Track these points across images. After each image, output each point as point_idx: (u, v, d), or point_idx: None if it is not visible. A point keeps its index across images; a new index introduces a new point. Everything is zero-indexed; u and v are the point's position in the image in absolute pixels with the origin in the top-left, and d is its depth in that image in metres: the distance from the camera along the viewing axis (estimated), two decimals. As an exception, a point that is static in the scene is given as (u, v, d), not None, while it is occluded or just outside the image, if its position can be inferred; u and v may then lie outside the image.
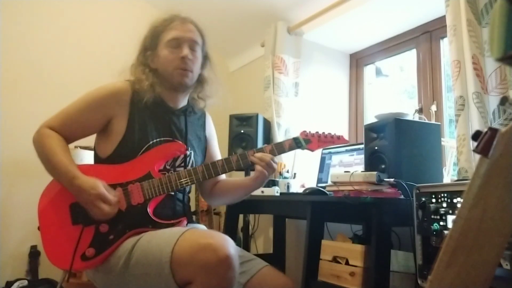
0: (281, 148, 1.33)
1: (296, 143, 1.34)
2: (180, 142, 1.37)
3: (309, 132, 1.37)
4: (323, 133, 1.39)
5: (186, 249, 1.07)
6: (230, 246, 1.07)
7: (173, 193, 1.33)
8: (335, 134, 1.41)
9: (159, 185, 1.26)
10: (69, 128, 1.30)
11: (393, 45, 2.54)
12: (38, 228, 1.25)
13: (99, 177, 1.22)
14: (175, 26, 1.34)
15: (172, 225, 1.25)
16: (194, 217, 2.26)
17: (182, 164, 1.38)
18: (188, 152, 1.39)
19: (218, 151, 1.56)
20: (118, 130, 1.30)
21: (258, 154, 1.30)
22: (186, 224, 1.33)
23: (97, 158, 1.36)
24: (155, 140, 1.32)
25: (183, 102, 1.43)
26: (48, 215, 1.25)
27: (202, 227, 1.49)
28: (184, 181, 1.28)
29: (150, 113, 1.34)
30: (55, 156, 1.23)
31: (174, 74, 1.33)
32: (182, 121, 1.41)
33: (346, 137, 2.76)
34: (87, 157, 1.85)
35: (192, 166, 1.41)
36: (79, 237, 1.19)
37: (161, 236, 1.15)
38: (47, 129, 1.28)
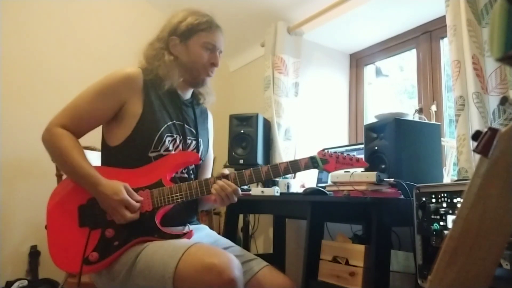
0: (296, 167, 1.28)
1: (312, 163, 1.28)
2: (195, 153, 1.39)
3: (327, 152, 1.30)
4: (342, 154, 1.32)
5: (190, 267, 1.05)
6: (235, 267, 1.06)
7: (182, 203, 1.32)
8: (354, 156, 1.32)
9: (169, 194, 1.24)
10: (80, 121, 1.27)
11: (393, 45, 2.55)
12: (45, 227, 1.24)
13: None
14: (214, 32, 1.39)
15: (178, 236, 1.23)
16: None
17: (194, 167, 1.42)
18: (200, 140, 1.42)
19: (212, 150, 1.57)
20: (133, 112, 1.29)
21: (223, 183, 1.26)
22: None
23: (107, 148, 1.33)
24: (170, 123, 1.33)
25: (189, 94, 1.47)
26: (56, 215, 1.23)
27: (206, 228, 1.48)
28: (194, 192, 1.26)
29: (162, 97, 1.35)
30: (74, 161, 1.21)
31: (201, 72, 1.39)
32: (191, 112, 1.44)
33: (346, 138, 2.77)
34: (88, 157, 1.83)
35: (202, 154, 1.44)
36: (86, 240, 1.18)
37: (166, 249, 1.13)
38: (58, 128, 1.24)
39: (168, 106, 1.36)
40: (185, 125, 1.39)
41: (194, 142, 1.41)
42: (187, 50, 1.36)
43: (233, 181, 1.26)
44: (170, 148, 1.32)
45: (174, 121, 1.35)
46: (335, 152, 1.31)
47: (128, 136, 1.28)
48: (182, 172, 1.36)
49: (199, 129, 1.44)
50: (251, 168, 1.28)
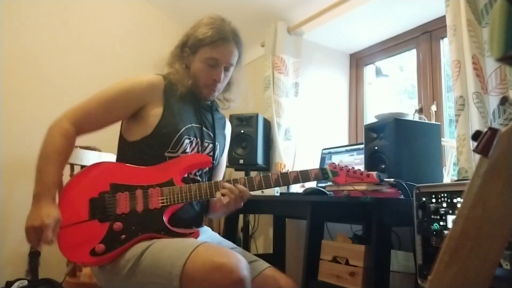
0: (306, 176, 1.30)
1: (322, 174, 1.30)
2: (207, 155, 1.40)
3: (338, 165, 1.33)
4: (353, 168, 1.34)
5: (198, 266, 1.06)
6: (244, 268, 1.06)
7: (192, 203, 1.33)
8: (364, 171, 1.34)
9: (179, 193, 1.26)
10: (94, 118, 1.30)
11: (393, 45, 2.55)
12: None
13: (122, 177, 1.25)
14: (218, 47, 1.36)
15: (185, 235, 1.24)
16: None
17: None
18: (216, 143, 1.45)
19: (225, 158, 1.58)
20: (154, 113, 1.32)
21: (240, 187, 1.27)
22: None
23: (124, 142, 1.37)
24: (189, 125, 1.36)
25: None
26: (67, 206, 1.25)
27: (208, 230, 1.49)
28: (204, 192, 1.28)
29: (182, 101, 1.37)
30: (50, 163, 1.22)
31: (203, 89, 1.40)
32: (209, 116, 1.47)
33: (346, 138, 2.76)
34: (87, 157, 1.84)
35: (217, 158, 1.46)
36: (94, 232, 1.20)
37: (173, 247, 1.13)
38: (67, 124, 1.26)
39: (188, 110, 1.39)
40: (203, 128, 1.41)
41: (210, 145, 1.43)
42: (193, 64, 1.39)
43: (243, 185, 1.28)
44: (188, 150, 1.35)
45: (193, 124, 1.38)
46: (346, 166, 1.33)
47: (148, 135, 1.32)
48: (195, 174, 1.38)
49: (217, 134, 1.46)
50: (261, 174, 1.31)
